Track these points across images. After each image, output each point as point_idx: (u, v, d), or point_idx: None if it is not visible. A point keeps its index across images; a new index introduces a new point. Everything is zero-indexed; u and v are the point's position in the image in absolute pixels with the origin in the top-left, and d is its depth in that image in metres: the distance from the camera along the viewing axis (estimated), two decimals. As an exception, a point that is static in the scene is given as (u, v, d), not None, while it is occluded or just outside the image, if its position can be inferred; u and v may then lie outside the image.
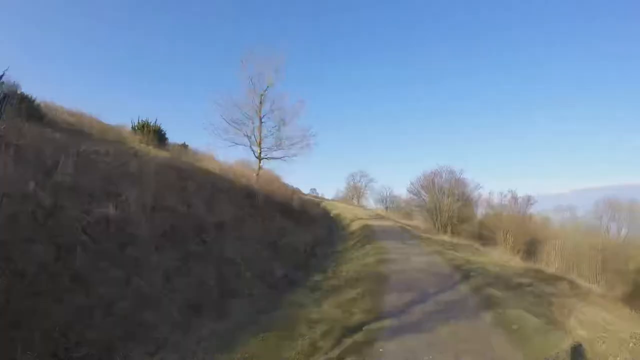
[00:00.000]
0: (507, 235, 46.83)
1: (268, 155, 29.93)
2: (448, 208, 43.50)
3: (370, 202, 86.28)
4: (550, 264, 39.24)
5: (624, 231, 47.34)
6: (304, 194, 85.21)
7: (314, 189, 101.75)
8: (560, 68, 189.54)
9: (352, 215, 43.22)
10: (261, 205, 23.05)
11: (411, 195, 48.39)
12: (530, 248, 46.18)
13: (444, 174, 45.07)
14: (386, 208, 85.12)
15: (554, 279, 15.32)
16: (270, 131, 29.98)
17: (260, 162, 29.61)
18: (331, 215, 48.97)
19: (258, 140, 29.15)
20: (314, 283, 13.15)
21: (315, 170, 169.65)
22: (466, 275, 13.17)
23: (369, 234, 25.80)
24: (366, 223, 34.03)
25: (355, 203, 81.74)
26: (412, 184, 47.37)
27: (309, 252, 19.96)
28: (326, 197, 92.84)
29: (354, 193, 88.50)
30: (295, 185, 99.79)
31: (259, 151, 29.36)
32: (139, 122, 25.28)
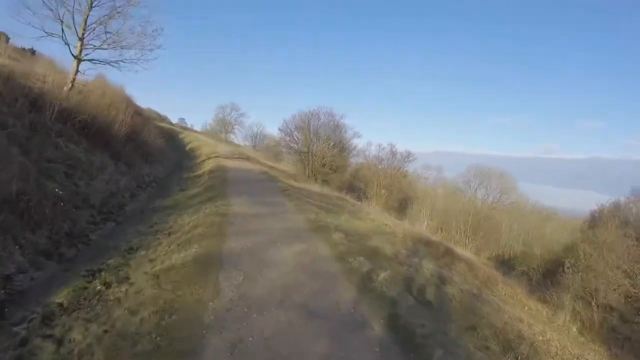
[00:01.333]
0: (381, 190, 44.11)
1: (92, 57, 19.97)
2: (322, 154, 38.33)
3: (239, 139, 78.56)
4: (419, 222, 37.75)
5: (490, 198, 47.91)
6: (165, 121, 74.72)
7: (183, 119, 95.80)
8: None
9: (210, 150, 35.47)
10: (53, 126, 14.24)
11: (283, 135, 41.59)
12: (402, 205, 44.52)
13: (322, 116, 39.20)
14: (254, 147, 78.72)
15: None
16: (97, 21, 19.43)
17: (78, 65, 19.33)
18: (186, 149, 40.63)
19: (81, 32, 18.96)
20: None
21: (188, 98, 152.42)
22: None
23: (218, 183, 18.33)
24: (223, 164, 26.68)
25: (223, 138, 73.35)
26: (285, 122, 40.49)
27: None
28: (196, 128, 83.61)
29: (223, 127, 78.92)
30: (161, 112, 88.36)
31: (79, 48, 19.16)
32: None
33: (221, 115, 76.98)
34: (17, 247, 8.35)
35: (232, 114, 76.65)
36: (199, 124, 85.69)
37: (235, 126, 77.21)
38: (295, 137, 39.95)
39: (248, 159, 36.00)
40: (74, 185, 12.32)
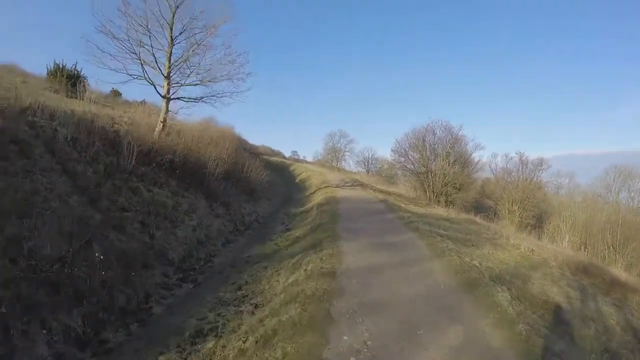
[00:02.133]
0: (513, 206, 37.49)
1: (181, 95, 18.13)
2: (442, 172, 33.49)
3: (351, 166, 76.57)
4: (560, 239, 30.55)
5: (636, 203, 38.13)
6: (279, 156, 76.00)
7: (295, 152, 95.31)
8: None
9: (320, 180, 33.03)
10: (133, 170, 12.49)
11: (396, 156, 37.55)
12: (538, 221, 37.26)
13: (437, 131, 34.53)
14: (367, 172, 75.78)
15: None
16: (181, 58, 17.61)
17: (167, 104, 17.55)
18: (296, 181, 38.86)
19: (166, 70, 17.15)
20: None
21: (298, 131, 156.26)
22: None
23: (327, 219, 15.00)
24: (334, 194, 23.68)
25: (334, 166, 72.01)
26: (397, 142, 36.51)
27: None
28: (308, 159, 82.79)
29: (333, 155, 77.62)
30: (274, 148, 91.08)
31: (165, 87, 17.31)
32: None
33: (330, 144, 75.84)
34: (43, 331, 5.85)
35: (341, 141, 75.06)
36: (311, 155, 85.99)
37: (346, 153, 75.47)
38: (410, 157, 35.69)
39: (362, 185, 32.77)
40: (149, 237, 9.96)
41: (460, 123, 35.41)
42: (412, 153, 35.50)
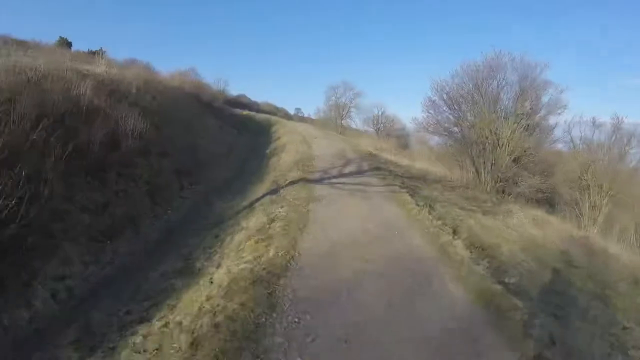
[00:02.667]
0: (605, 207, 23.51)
1: None
2: (512, 144, 19.42)
3: (357, 124, 62.34)
4: None
5: None
6: (279, 114, 63.74)
7: (299, 109, 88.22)
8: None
9: (300, 155, 19.20)
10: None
11: (430, 113, 23.03)
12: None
13: (507, 71, 19.91)
14: (377, 132, 61.35)
15: None
16: None
17: None
18: (267, 150, 25.05)
19: None
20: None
21: (307, 88, 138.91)
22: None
23: None
24: (316, 196, 10.46)
25: (338, 124, 58.17)
26: (436, 87, 21.18)
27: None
28: (312, 117, 70.85)
29: (337, 112, 62.94)
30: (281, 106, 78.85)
31: None
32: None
33: (333, 98, 61.28)
34: None
35: (346, 94, 60.37)
36: (314, 112, 71.68)
37: (351, 109, 60.98)
38: (453, 116, 21.15)
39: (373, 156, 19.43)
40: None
41: (543, 61, 20.11)
42: (456, 108, 20.99)
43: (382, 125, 62.54)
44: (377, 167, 16.81)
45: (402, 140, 65.14)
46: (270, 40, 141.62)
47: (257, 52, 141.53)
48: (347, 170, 15.82)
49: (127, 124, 12.93)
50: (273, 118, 44.63)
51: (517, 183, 20.37)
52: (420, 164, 23.01)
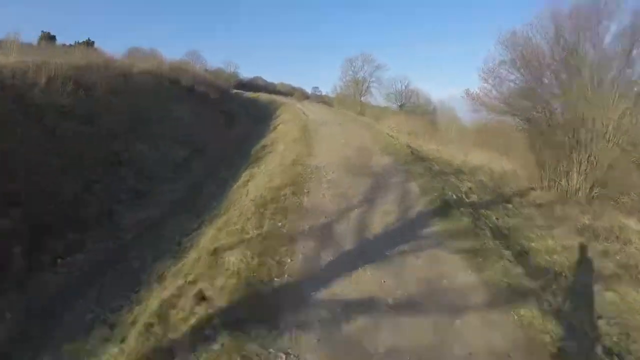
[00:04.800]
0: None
1: None
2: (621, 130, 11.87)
3: (378, 100, 54.66)
4: None
5: None
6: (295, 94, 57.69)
7: (316, 88, 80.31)
8: None
9: (301, 157, 11.84)
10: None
11: (494, 84, 14.83)
12: None
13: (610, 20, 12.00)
14: (401, 107, 54.17)
15: None
16: None
17: None
18: (251, 151, 18.05)
19: None
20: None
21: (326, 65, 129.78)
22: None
23: None
24: None
25: (357, 100, 50.88)
26: (505, 42, 13.53)
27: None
28: (331, 95, 61.82)
29: (356, 88, 55.16)
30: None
31: None
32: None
33: (350, 73, 53.15)
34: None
35: (365, 68, 52.08)
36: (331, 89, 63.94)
37: (372, 83, 52.90)
38: (531, 87, 13.24)
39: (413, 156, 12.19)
40: None
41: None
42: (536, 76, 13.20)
43: (406, 100, 54.97)
44: (443, 200, 8.26)
45: (429, 118, 57.25)
46: (284, 19, 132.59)
47: (272, 32, 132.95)
48: (378, 221, 7.13)
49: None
50: (279, 100, 37.03)
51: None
52: (476, 157, 15.59)
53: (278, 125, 21.42)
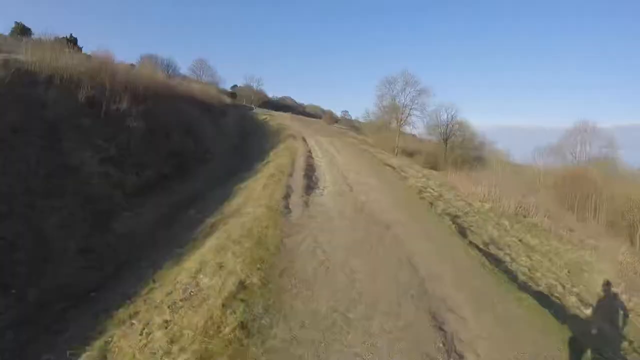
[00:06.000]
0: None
1: None
2: None
3: (420, 129, 45.61)
4: None
5: None
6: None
7: (346, 111, 79.84)
8: None
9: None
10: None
11: None
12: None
13: None
14: (445, 141, 44.51)
15: None
16: None
17: None
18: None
19: None
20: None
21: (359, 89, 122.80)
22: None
23: None
24: None
25: (397, 129, 41.48)
26: None
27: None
28: (361, 120, 55.87)
29: (393, 113, 45.47)
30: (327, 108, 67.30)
31: None
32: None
33: (388, 96, 42.99)
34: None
35: (406, 91, 41.76)
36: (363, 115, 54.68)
37: (413, 110, 42.52)
38: None
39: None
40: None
41: None
42: None
43: (451, 134, 45.17)
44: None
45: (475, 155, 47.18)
46: (318, 42, 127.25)
47: (307, 55, 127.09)
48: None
49: None
50: (290, 129, 27.15)
51: None
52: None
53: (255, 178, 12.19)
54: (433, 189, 13.16)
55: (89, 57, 15.49)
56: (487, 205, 14.28)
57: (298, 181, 11.23)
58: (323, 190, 10.73)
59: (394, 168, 15.51)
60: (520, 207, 14.71)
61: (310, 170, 12.60)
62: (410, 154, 45.86)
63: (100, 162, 10.66)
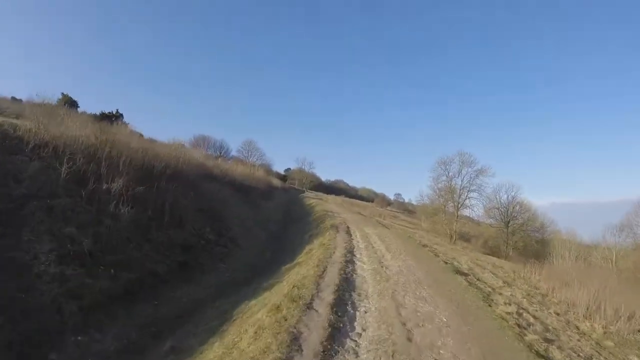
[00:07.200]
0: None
1: None
2: None
3: (479, 212, 42.26)
4: None
5: None
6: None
7: (399, 194, 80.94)
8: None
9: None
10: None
11: None
12: None
13: None
14: (507, 224, 41.08)
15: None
16: None
17: None
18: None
19: None
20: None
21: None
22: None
23: None
24: None
25: (454, 215, 37.38)
26: None
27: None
28: (414, 203, 57.01)
29: (450, 196, 41.88)
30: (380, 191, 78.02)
31: None
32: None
33: (444, 178, 39.65)
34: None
35: (464, 171, 38.34)
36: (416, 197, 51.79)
37: (471, 193, 39.00)
38: None
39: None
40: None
41: None
42: None
43: (511, 215, 41.13)
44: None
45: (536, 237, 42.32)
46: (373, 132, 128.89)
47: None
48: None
49: None
50: (338, 218, 23.39)
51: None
52: None
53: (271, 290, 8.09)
54: (529, 312, 8.76)
55: (94, 122, 13.49)
56: (599, 328, 9.68)
57: (317, 320, 6.10)
58: (359, 342, 5.64)
59: (465, 275, 11.12)
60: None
61: (344, 289, 8.02)
62: (467, 239, 41.16)
63: (59, 260, 7.72)
